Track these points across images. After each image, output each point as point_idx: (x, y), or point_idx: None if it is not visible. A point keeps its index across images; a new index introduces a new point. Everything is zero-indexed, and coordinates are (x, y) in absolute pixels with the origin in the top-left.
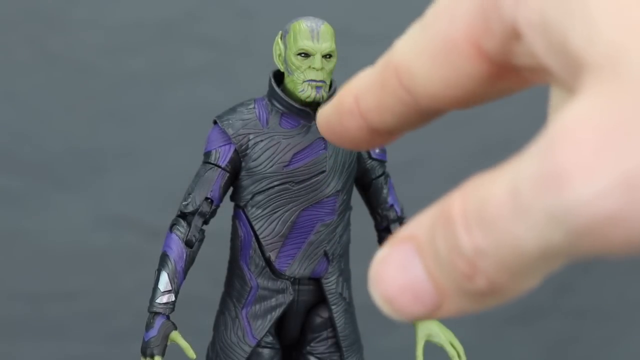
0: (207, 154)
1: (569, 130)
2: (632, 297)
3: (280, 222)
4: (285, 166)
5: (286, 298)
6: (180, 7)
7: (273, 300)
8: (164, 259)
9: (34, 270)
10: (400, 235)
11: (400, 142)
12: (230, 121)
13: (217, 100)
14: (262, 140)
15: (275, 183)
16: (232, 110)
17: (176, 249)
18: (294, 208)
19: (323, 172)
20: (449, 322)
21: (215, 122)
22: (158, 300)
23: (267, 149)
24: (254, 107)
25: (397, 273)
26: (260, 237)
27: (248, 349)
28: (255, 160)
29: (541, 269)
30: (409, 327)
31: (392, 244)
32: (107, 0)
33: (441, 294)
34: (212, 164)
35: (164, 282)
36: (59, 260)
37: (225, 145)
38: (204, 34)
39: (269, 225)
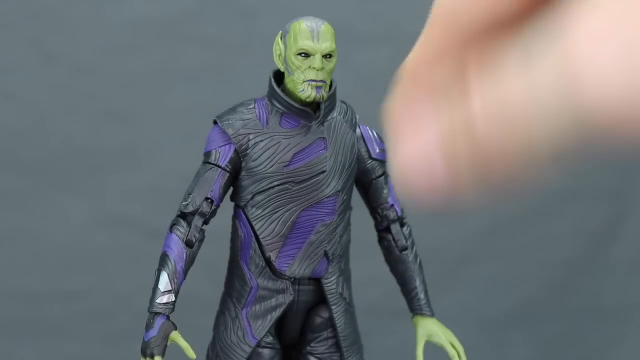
0: (207, 154)
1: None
2: (632, 297)
3: (280, 222)
4: (285, 166)
5: (286, 298)
6: (180, 7)
7: (273, 300)
8: (163, 259)
9: (34, 270)
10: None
11: None
12: (230, 121)
13: (217, 100)
14: (262, 140)
15: (275, 183)
16: (232, 110)
17: (176, 249)
18: (294, 208)
19: (323, 172)
20: (448, 322)
21: (215, 122)
22: (158, 300)
23: (267, 149)
24: (254, 107)
25: (420, 163)
26: (261, 237)
27: (248, 349)
28: (255, 160)
29: (548, 153)
30: (408, 327)
31: (420, 135)
32: (107, 0)
33: (458, 185)
34: (212, 164)
35: (164, 282)
36: (59, 260)
37: (225, 145)
38: (204, 34)
39: (269, 225)
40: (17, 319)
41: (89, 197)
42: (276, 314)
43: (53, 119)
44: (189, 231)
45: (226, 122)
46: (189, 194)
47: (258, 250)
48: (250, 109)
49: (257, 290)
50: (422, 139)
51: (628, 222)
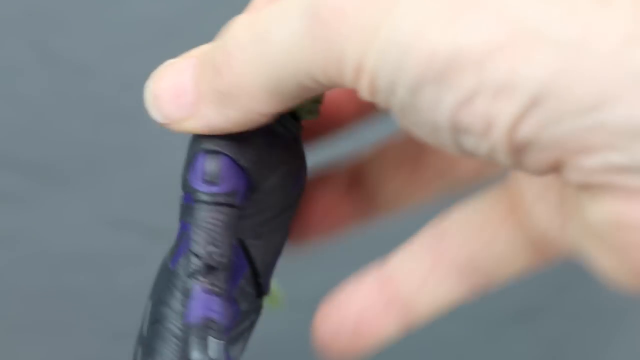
0: None
1: None
2: (632, 297)
3: None
4: None
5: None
6: (181, 8)
7: None
8: None
9: (33, 270)
10: (186, 54)
11: None
12: None
13: None
14: None
15: None
16: None
17: None
18: None
19: None
20: (448, 321)
21: None
22: None
23: None
24: None
25: (170, 76)
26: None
27: None
28: None
29: (283, 88)
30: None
31: (177, 60)
32: (108, 0)
33: (197, 96)
34: None
35: None
36: (59, 260)
37: None
38: (205, 34)
39: None
40: (17, 319)
41: (89, 197)
42: None
43: (53, 119)
44: None
45: None
46: None
47: None
48: None
49: None
50: (181, 61)
51: None
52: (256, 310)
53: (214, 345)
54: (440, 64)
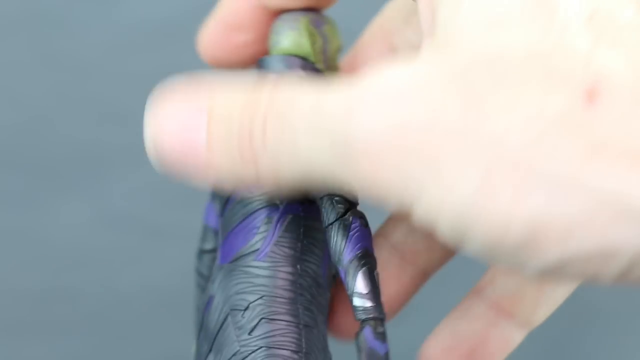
0: None
1: (376, 86)
2: (632, 297)
3: None
4: None
5: None
6: (181, 8)
7: None
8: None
9: (33, 270)
10: (197, 94)
11: None
12: None
13: None
14: None
15: None
16: None
17: None
18: None
19: None
20: None
21: None
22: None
23: None
24: None
25: (179, 131)
26: None
27: None
28: None
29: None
30: (409, 328)
31: (184, 97)
32: (109, 0)
33: (212, 168)
34: None
35: None
36: (59, 260)
37: None
38: None
39: None
40: (17, 319)
41: (90, 196)
42: None
43: (54, 119)
44: None
45: None
46: None
47: None
48: None
49: None
50: (191, 107)
51: None
52: None
53: None
54: (518, 236)
